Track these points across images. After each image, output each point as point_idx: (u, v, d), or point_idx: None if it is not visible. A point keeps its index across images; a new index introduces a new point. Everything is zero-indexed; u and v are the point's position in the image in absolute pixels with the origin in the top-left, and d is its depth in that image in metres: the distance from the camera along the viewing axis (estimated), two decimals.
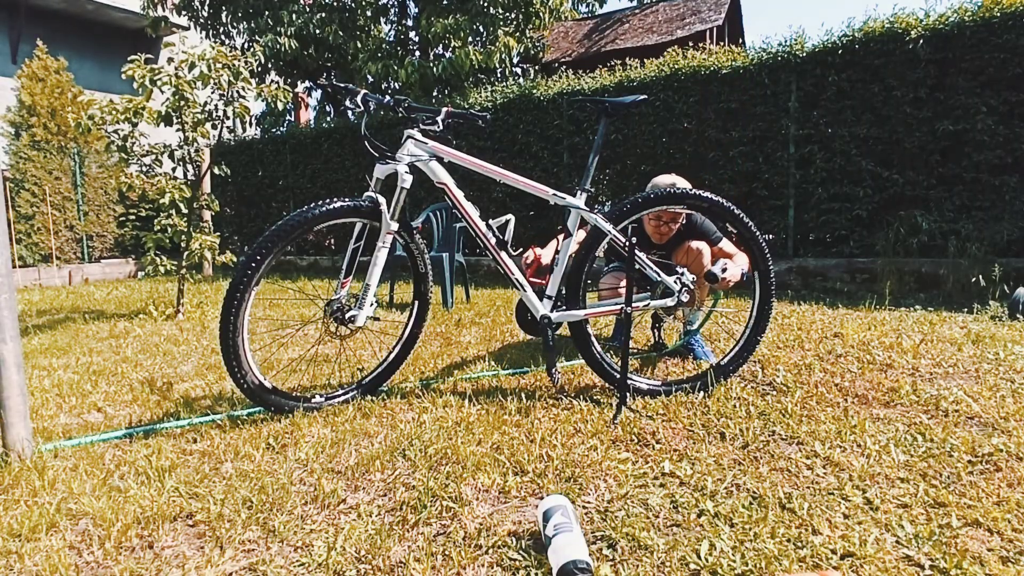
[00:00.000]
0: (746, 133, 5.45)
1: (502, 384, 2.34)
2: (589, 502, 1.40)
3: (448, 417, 1.97)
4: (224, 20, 9.65)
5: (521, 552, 1.20)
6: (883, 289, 4.43)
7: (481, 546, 1.23)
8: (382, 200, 2.05)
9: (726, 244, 2.55)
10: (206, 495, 1.46)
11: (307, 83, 11.38)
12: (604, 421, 1.89)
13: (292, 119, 13.64)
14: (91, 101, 4.22)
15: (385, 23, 10.22)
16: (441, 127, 2.08)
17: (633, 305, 2.06)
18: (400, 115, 2.08)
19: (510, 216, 2.15)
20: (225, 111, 4.36)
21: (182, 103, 4.17)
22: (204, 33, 9.85)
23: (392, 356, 2.30)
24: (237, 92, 4.33)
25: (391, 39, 10.28)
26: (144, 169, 4.49)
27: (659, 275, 2.14)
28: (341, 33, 8.89)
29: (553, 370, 2.12)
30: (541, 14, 9.10)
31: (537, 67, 12.23)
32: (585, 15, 15.37)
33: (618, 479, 1.50)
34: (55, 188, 8.66)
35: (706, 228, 2.54)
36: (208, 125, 4.35)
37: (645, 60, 6.26)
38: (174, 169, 4.56)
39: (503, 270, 2.13)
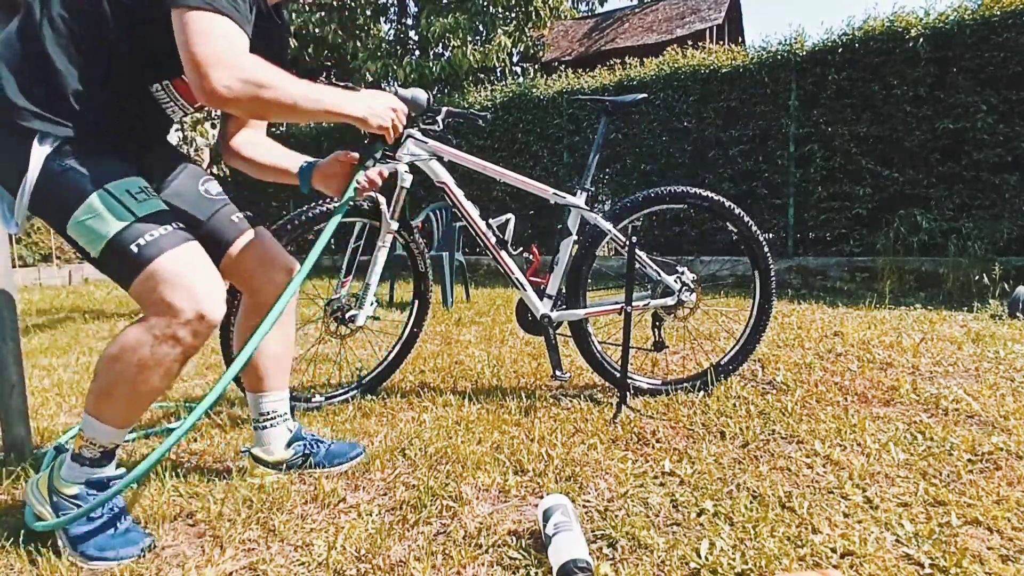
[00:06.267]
0: (746, 132, 5.45)
1: (502, 383, 2.34)
2: (589, 501, 1.40)
3: (448, 416, 1.97)
4: None
5: (521, 551, 1.20)
6: (883, 288, 4.43)
7: (481, 545, 1.22)
8: (382, 199, 2.05)
9: None
10: (206, 494, 1.46)
11: None
12: (604, 420, 1.89)
13: None
14: None
15: (385, 22, 10.23)
16: (441, 126, 2.08)
17: (633, 304, 2.06)
18: None
19: (510, 215, 2.15)
20: None
21: None
22: None
23: (392, 355, 2.30)
24: None
25: (391, 38, 10.28)
26: None
27: (659, 274, 2.14)
28: (341, 32, 8.89)
29: (559, 371, 2.11)
30: (541, 13, 9.10)
31: (537, 66, 12.22)
32: (585, 14, 15.37)
33: (618, 478, 1.50)
34: None
35: None
36: (207, 124, 4.35)
37: (645, 59, 6.27)
38: None
39: (503, 269, 2.13)
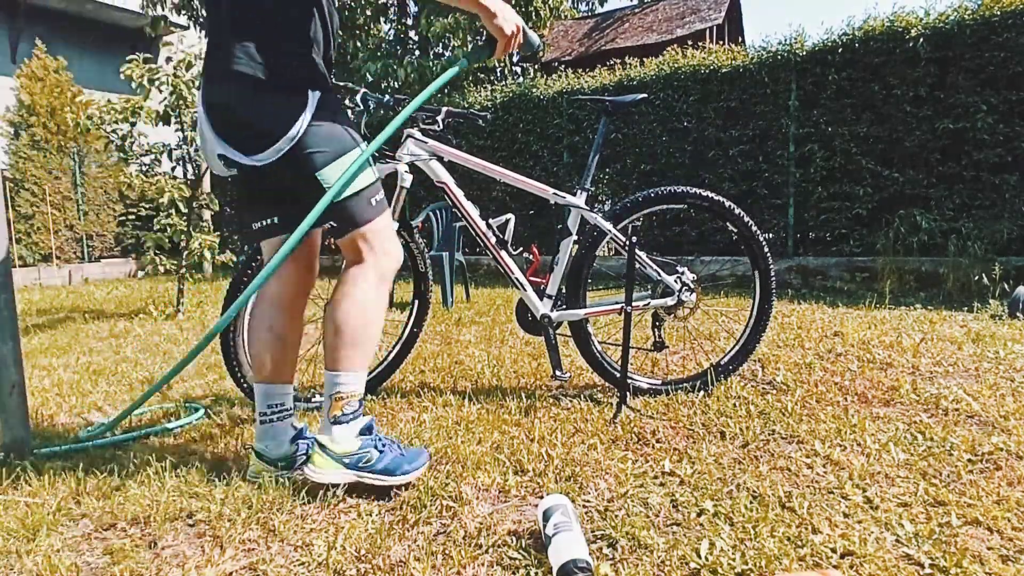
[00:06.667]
0: (746, 132, 5.45)
1: (502, 383, 2.34)
2: (589, 501, 1.40)
3: (448, 416, 1.97)
4: None
5: (521, 551, 1.20)
6: (883, 288, 4.43)
7: (481, 545, 1.22)
8: None
9: None
10: (206, 494, 1.46)
11: None
12: (604, 420, 1.89)
13: None
14: (89, 101, 4.23)
15: (385, 22, 10.22)
16: (441, 126, 2.08)
17: (633, 304, 2.06)
18: None
19: (510, 215, 2.15)
20: None
21: (180, 102, 4.17)
22: (203, 32, 9.84)
23: (392, 355, 2.30)
24: None
25: (391, 38, 10.28)
26: (143, 168, 4.49)
27: (659, 274, 2.14)
28: (341, 32, 8.88)
29: (559, 371, 2.11)
30: (541, 13, 9.10)
31: (537, 66, 12.22)
32: (585, 14, 15.37)
33: (618, 478, 1.50)
34: (55, 188, 8.66)
35: None
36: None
37: (645, 59, 6.26)
38: (173, 168, 4.56)
39: (503, 269, 2.13)
